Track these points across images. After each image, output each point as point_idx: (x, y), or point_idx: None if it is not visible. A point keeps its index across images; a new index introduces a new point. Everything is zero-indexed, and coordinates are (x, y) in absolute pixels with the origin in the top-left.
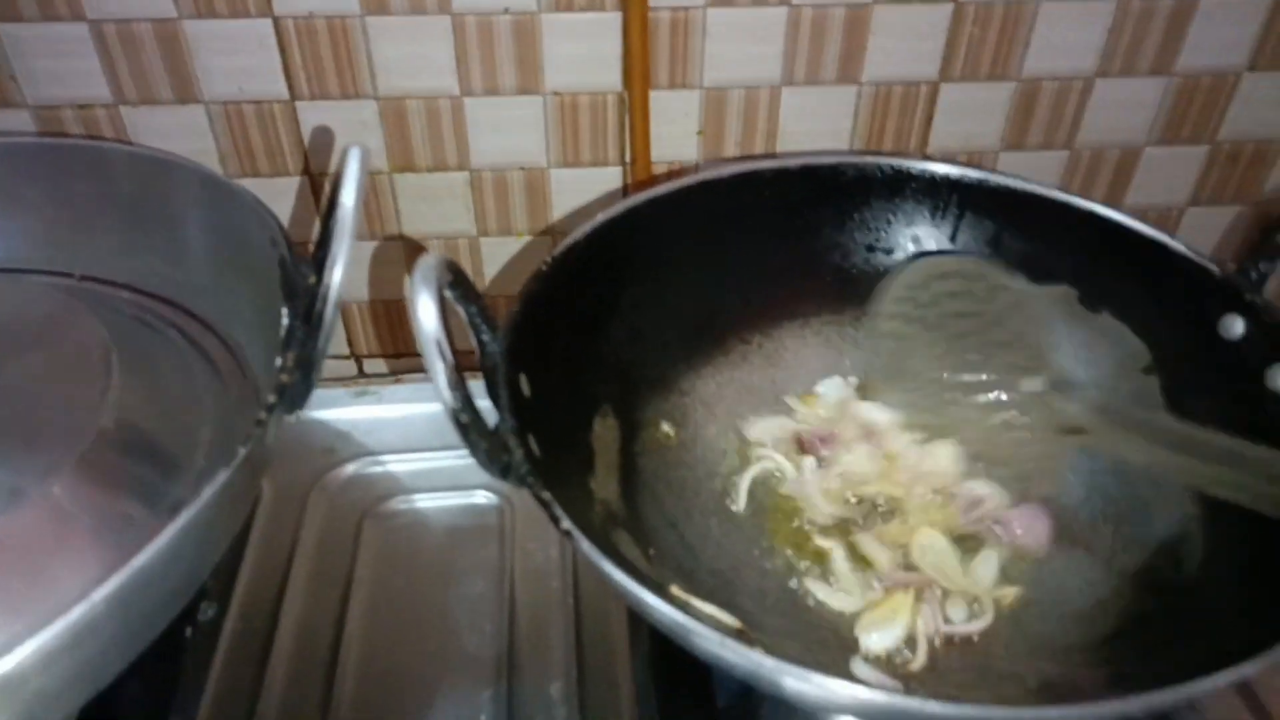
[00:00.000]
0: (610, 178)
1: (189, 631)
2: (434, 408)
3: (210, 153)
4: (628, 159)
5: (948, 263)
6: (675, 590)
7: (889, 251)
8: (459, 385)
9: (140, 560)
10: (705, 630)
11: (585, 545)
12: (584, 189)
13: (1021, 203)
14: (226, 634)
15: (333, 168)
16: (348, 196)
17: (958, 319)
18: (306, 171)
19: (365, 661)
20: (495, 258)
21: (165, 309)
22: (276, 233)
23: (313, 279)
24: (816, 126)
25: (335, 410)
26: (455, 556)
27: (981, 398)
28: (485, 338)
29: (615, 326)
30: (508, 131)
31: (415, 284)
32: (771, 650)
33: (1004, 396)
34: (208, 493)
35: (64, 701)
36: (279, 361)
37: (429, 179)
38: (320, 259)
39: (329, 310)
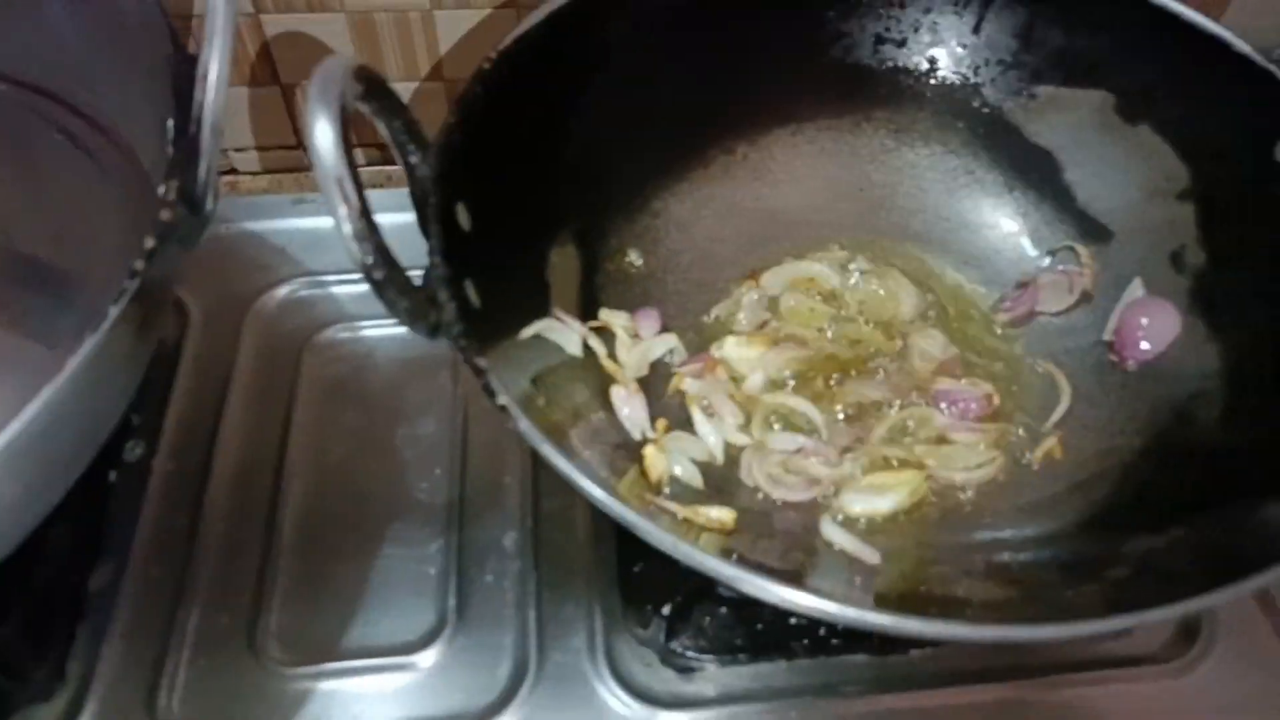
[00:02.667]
0: None
1: (113, 475)
2: (385, 219)
3: None
4: None
5: None
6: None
7: (900, 43)
8: (368, 234)
9: (25, 418)
10: (656, 532)
11: (524, 425)
12: None
13: None
14: (156, 475)
15: None
16: None
17: None
18: None
19: (306, 509)
20: (452, 31)
21: (45, 103)
22: (158, 17)
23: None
24: None
25: (270, 221)
26: (404, 392)
27: None
28: (414, 159)
29: (576, 135)
30: None
31: (311, 101)
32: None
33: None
34: (72, 364)
35: None
36: (161, 190)
37: None
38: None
39: (206, 134)
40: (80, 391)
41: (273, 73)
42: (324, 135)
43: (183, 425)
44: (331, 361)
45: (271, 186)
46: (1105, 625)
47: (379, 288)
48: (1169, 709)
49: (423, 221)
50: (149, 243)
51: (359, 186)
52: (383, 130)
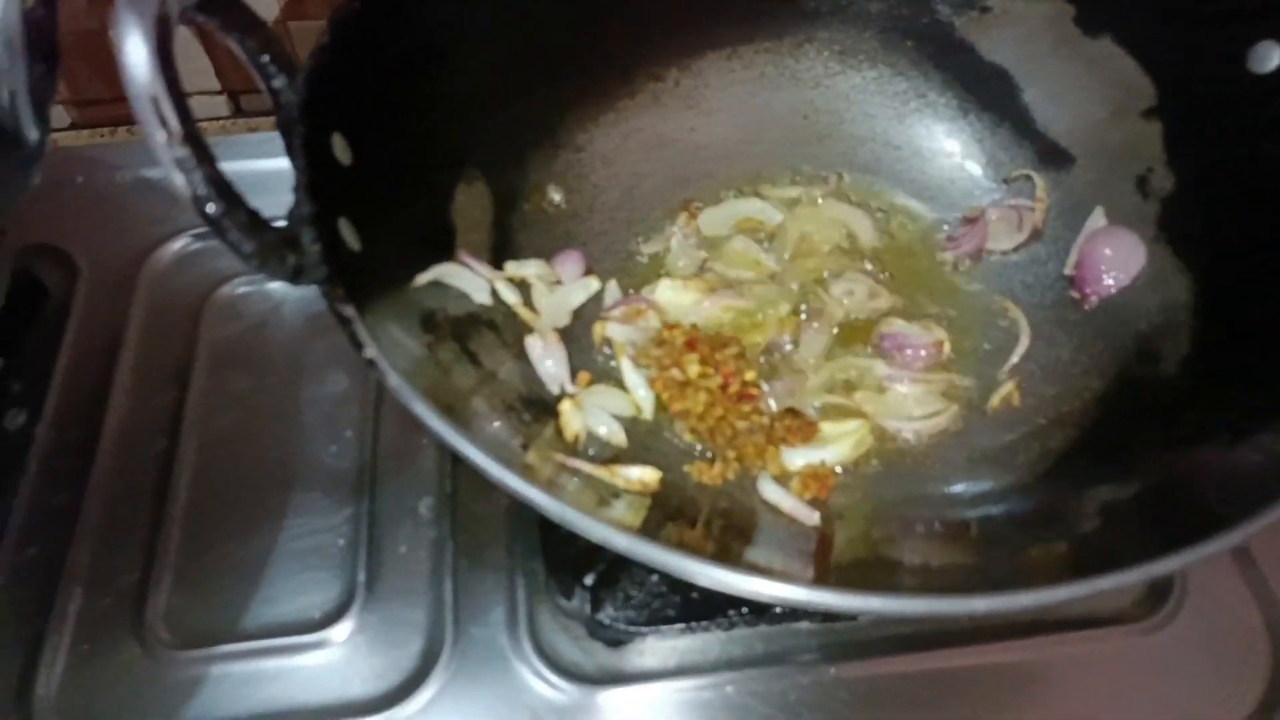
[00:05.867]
0: None
1: None
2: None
3: None
4: None
5: None
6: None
7: None
8: (196, 162)
9: None
10: (560, 509)
11: (394, 381)
12: None
13: None
14: (38, 446)
15: None
16: None
17: None
18: None
19: (201, 479)
20: None
21: None
22: None
23: None
24: None
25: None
26: (312, 350)
27: None
28: (278, 83)
29: (477, 58)
30: None
31: (120, 8)
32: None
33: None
34: None
35: None
36: None
37: None
38: None
39: (1, 52)
40: None
41: None
42: (136, 50)
43: (69, 391)
44: (233, 319)
45: None
46: (1068, 592)
47: (216, 226)
48: (1138, 671)
49: (290, 152)
50: None
51: (182, 106)
52: (236, 49)
